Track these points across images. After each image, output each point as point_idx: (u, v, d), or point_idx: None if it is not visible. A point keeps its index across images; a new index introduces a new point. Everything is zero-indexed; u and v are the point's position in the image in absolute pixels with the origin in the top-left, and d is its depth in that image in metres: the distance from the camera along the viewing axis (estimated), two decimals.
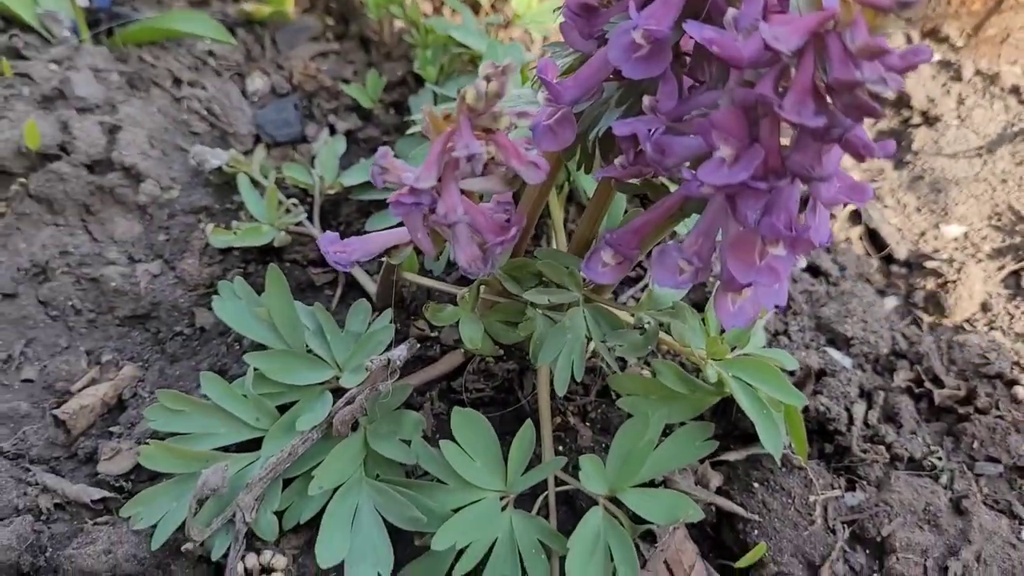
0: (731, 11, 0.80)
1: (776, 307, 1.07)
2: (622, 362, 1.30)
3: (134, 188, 1.50)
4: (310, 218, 1.50)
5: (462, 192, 0.94)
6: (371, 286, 1.41)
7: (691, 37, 0.79)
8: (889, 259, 1.67)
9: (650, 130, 0.88)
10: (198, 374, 1.19)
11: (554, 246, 1.31)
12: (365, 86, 1.75)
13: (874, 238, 1.70)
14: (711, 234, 0.88)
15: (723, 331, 1.15)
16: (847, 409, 1.32)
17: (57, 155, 1.49)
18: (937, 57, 1.97)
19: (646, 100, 0.89)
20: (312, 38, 1.95)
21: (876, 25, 0.70)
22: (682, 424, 1.11)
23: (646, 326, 1.06)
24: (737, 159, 0.77)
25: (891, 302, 1.58)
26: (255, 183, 1.52)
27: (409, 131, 1.42)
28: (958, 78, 1.93)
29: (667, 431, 1.13)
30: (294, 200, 1.49)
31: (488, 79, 0.83)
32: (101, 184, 1.48)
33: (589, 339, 1.06)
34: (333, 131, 1.74)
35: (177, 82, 1.72)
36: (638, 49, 0.86)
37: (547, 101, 0.95)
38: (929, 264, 1.61)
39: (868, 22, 0.70)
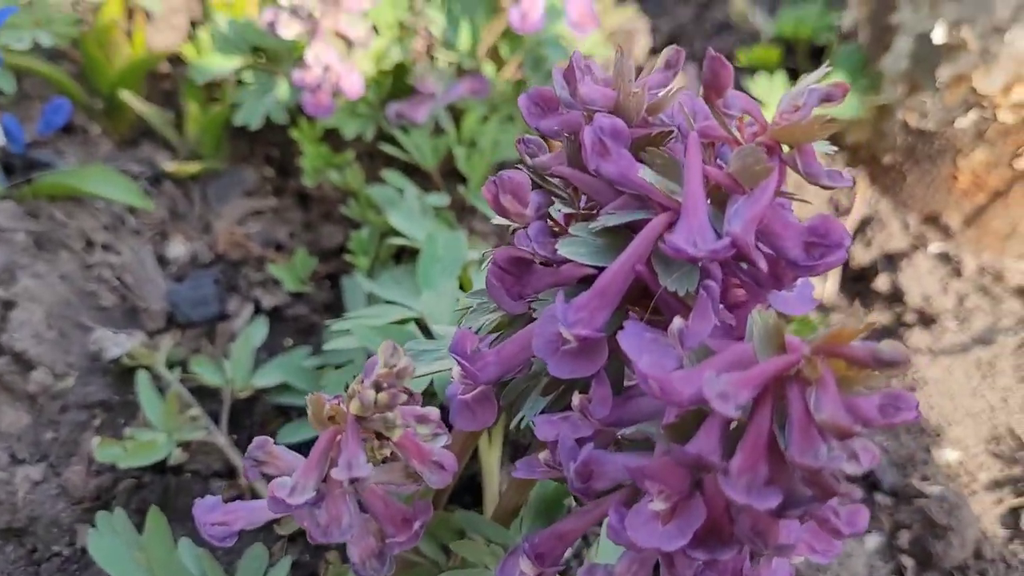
0: (677, 321, 0.72)
1: None
2: None
3: (23, 376, 1.40)
4: (218, 421, 1.41)
5: None
6: None
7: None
8: (874, 486, 1.58)
9: (579, 440, 0.79)
10: None
11: (487, 499, 1.22)
12: (294, 261, 1.66)
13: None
14: (647, 563, 0.79)
15: None
16: None
17: None
18: (936, 249, 1.91)
19: (575, 399, 0.81)
20: (247, 192, 1.87)
21: (850, 379, 0.62)
22: None
23: None
24: (674, 514, 0.68)
25: (873, 541, 1.49)
26: (159, 377, 1.43)
27: (335, 327, 1.32)
28: (958, 273, 1.86)
29: None
30: (194, 413, 1.39)
31: (377, 388, 0.74)
32: None
33: None
34: (258, 308, 1.65)
35: (90, 245, 1.64)
36: (566, 342, 0.77)
37: (462, 379, 0.87)
38: (918, 501, 1.52)
39: (840, 375, 0.62)
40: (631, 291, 0.78)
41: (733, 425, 0.66)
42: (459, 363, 0.84)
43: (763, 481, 0.63)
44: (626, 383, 0.84)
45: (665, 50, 0.86)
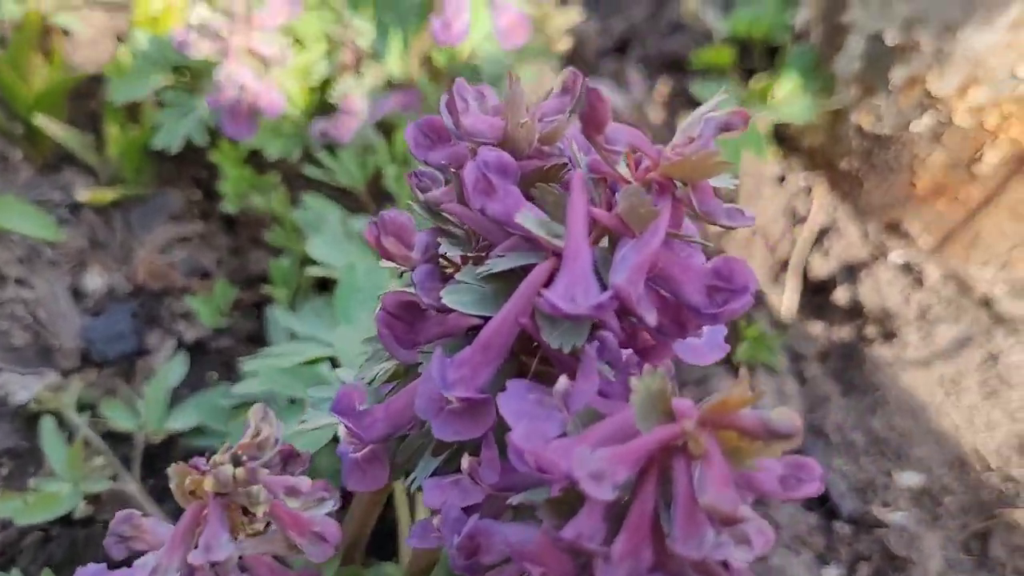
0: (561, 382, 0.66)
1: None
2: None
3: None
4: (131, 467, 1.34)
5: None
6: None
7: None
8: (832, 513, 1.51)
9: (467, 508, 0.73)
10: None
11: (402, 553, 1.15)
12: (214, 292, 1.59)
13: None
14: None
15: None
16: None
17: None
18: (897, 258, 1.85)
19: (464, 463, 0.74)
20: (172, 217, 1.79)
21: (740, 450, 0.56)
22: None
23: None
24: None
25: (832, 575, 1.42)
26: (69, 422, 1.35)
27: (247, 367, 1.25)
28: (920, 283, 1.80)
29: None
30: (101, 461, 1.32)
31: (236, 462, 0.67)
32: None
33: None
34: (181, 342, 1.58)
35: (2, 279, 1.56)
36: (449, 403, 0.71)
37: (350, 438, 0.81)
38: (878, 530, 1.45)
39: (730, 448, 0.55)
40: (522, 339, 0.72)
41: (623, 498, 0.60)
42: (344, 424, 0.78)
43: (647, 568, 0.56)
44: None
45: (561, 73, 0.80)
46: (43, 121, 1.74)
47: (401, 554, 1.15)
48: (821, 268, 1.86)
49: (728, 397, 0.54)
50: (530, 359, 0.74)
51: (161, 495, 1.35)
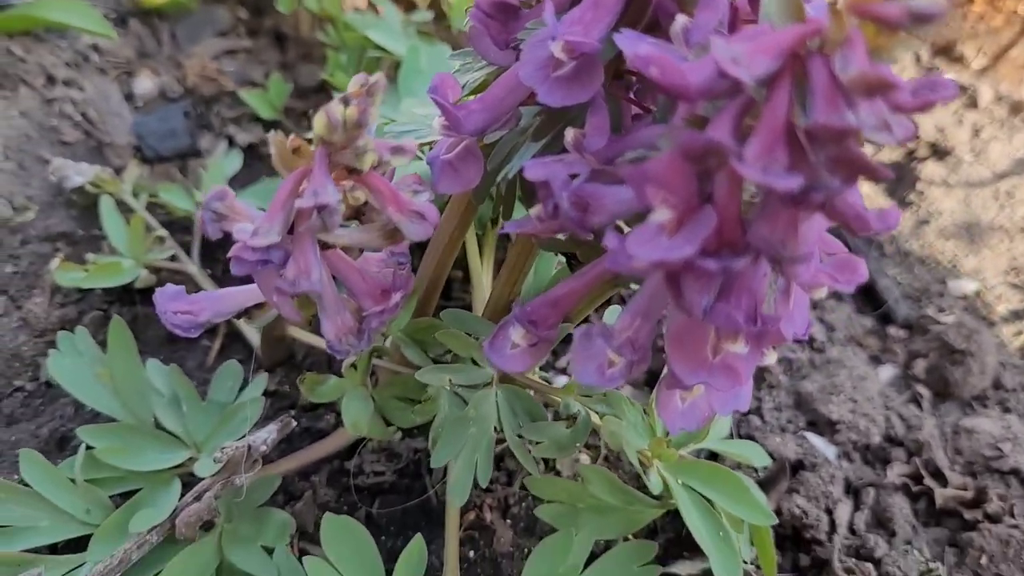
0: (680, 19, 0.64)
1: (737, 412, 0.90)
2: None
3: None
4: (190, 252, 1.33)
5: (335, 247, 0.77)
6: (256, 338, 1.24)
7: None
8: (886, 319, 1.51)
9: (572, 175, 0.71)
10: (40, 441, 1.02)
11: (476, 303, 1.14)
12: (269, 89, 1.57)
13: (869, 292, 1.54)
14: (650, 316, 0.72)
15: None
16: (828, 512, 1.16)
17: None
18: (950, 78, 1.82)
19: (569, 134, 0.73)
20: (219, 33, 1.78)
21: (879, 46, 0.54)
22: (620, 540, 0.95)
23: (577, 415, 0.89)
24: (680, 226, 0.60)
25: (887, 373, 1.42)
26: (125, 207, 1.34)
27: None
28: (973, 105, 1.78)
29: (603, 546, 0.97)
30: (161, 234, 1.31)
31: (346, 102, 0.65)
32: None
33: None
34: (232, 144, 1.57)
35: (51, 81, 1.55)
36: (559, 67, 0.70)
37: (445, 130, 0.79)
38: (933, 328, 1.45)
39: (868, 42, 0.54)
40: (628, 9, 0.70)
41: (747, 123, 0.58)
42: (440, 107, 0.76)
43: (782, 167, 0.55)
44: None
45: None
46: None
47: (474, 306, 1.14)
48: None
49: None
50: (640, 19, 0.72)
51: (220, 281, 1.34)
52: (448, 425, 0.89)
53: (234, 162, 1.44)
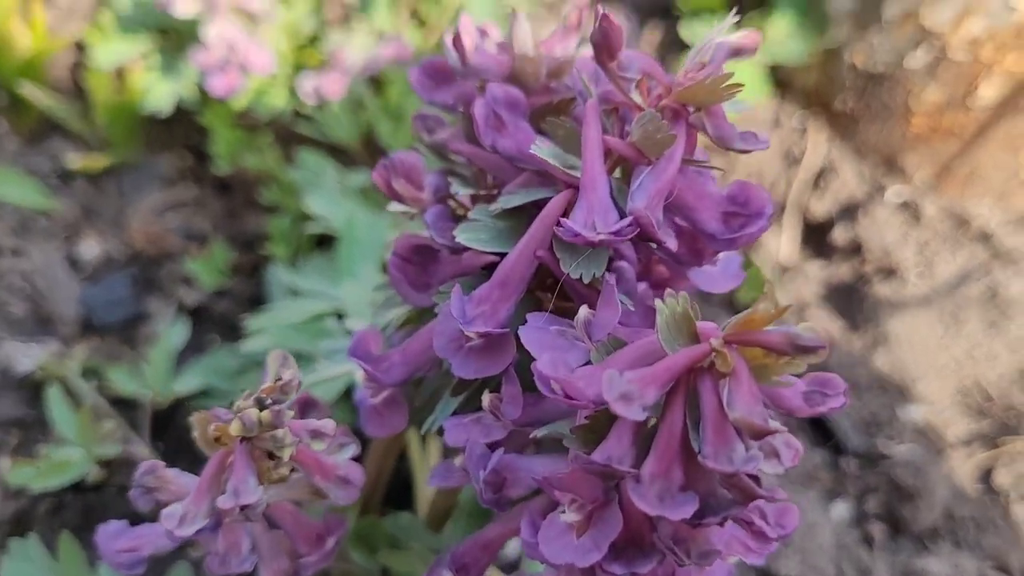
0: (582, 312, 0.66)
1: None
2: None
3: None
4: (140, 431, 1.34)
5: None
6: None
7: None
8: (838, 449, 1.53)
9: (491, 444, 0.73)
10: None
11: (419, 501, 1.16)
12: (212, 254, 1.59)
13: (819, 425, 1.56)
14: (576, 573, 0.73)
15: None
16: None
17: None
18: (894, 195, 1.85)
19: (486, 399, 0.74)
20: (165, 183, 1.79)
21: (766, 366, 0.56)
22: None
23: None
24: (589, 523, 0.62)
25: (839, 510, 1.44)
26: (75, 389, 1.36)
27: (252, 325, 1.26)
28: (917, 220, 1.81)
29: None
30: (110, 425, 1.33)
31: (260, 404, 0.67)
32: None
33: None
34: (181, 307, 1.58)
35: None
36: (469, 340, 0.71)
37: (367, 382, 0.81)
38: (883, 462, 1.47)
39: (756, 361, 0.56)
40: (539, 275, 0.72)
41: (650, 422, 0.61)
42: (361, 366, 0.78)
43: (678, 487, 0.57)
44: None
45: (566, 8, 0.80)
46: (29, 90, 1.73)
47: (418, 503, 1.15)
48: (819, 209, 1.86)
49: (753, 315, 0.54)
50: (547, 295, 0.75)
51: (172, 458, 1.35)
52: None
53: (181, 333, 1.45)
